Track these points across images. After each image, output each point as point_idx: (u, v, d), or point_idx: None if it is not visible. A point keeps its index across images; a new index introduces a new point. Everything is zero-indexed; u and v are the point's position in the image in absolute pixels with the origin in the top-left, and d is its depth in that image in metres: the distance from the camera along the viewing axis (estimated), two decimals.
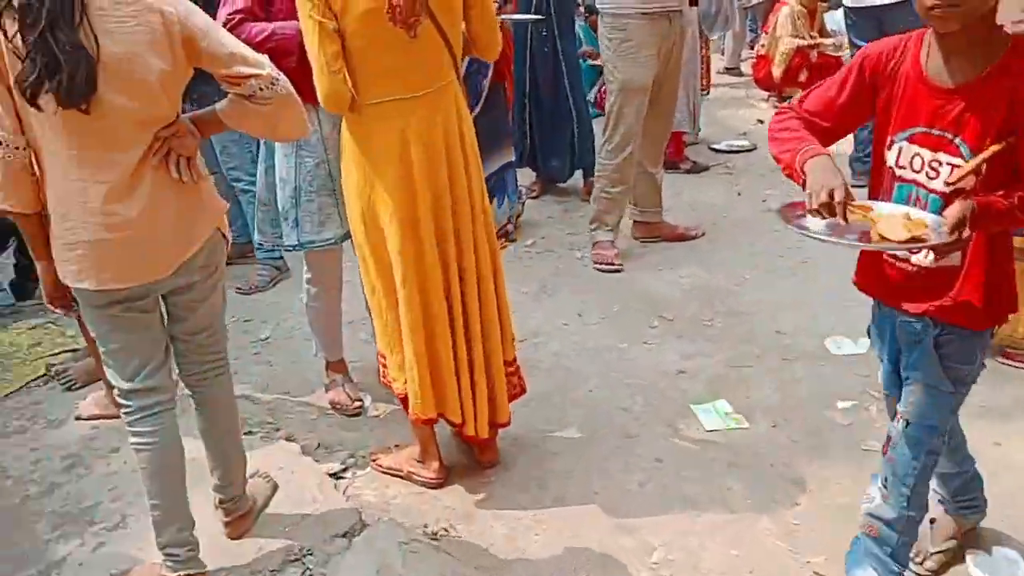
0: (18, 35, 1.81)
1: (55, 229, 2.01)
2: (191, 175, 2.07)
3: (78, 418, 3.06)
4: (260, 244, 3.04)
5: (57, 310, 2.21)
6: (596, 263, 4.26)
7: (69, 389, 3.25)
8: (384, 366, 2.65)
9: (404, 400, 2.61)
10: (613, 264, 4.22)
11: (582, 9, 7.03)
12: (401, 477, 2.72)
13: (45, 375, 3.41)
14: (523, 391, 2.80)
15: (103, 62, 1.85)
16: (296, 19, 2.33)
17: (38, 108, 1.86)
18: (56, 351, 3.60)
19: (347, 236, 2.76)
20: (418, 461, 2.70)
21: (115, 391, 2.21)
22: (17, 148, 1.92)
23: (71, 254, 2.00)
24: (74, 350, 3.54)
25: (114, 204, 1.96)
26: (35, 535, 2.51)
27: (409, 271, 2.41)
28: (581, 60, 6.03)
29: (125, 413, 2.19)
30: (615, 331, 3.63)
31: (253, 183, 3.99)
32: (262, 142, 2.95)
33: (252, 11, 2.64)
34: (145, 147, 1.99)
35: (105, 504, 2.61)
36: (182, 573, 2.22)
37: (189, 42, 1.96)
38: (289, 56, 2.52)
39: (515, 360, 2.75)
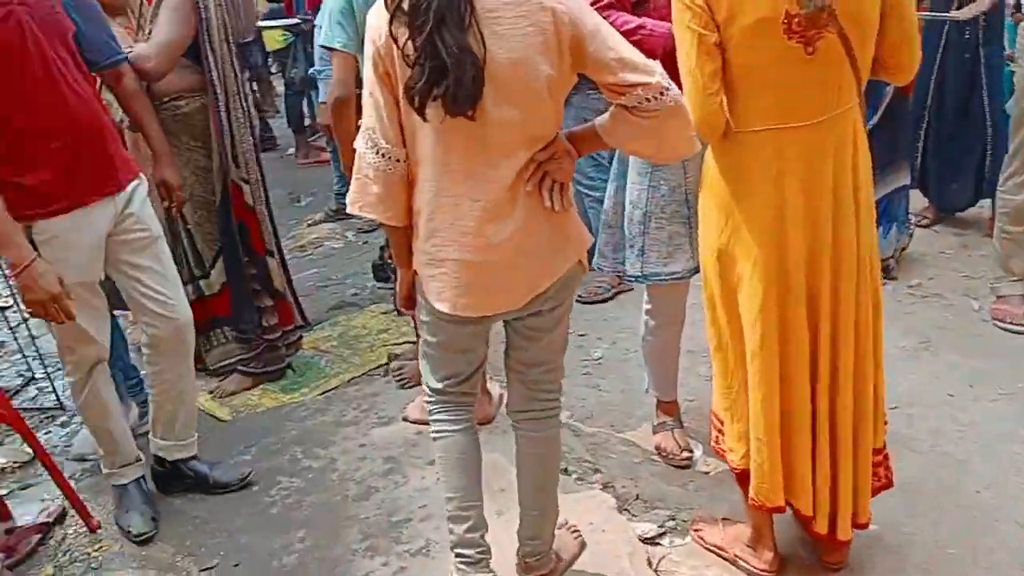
0: (409, 42, 1.71)
1: (421, 244, 1.91)
2: (562, 203, 1.89)
3: (404, 419, 3.05)
4: (600, 267, 2.78)
5: (409, 313, 2.19)
6: (997, 320, 3.49)
7: (402, 387, 3.27)
8: (720, 431, 2.27)
9: (740, 476, 2.22)
10: (1022, 324, 3.42)
11: (1010, 1, 5.91)
12: (726, 559, 2.33)
13: (386, 364, 3.48)
14: (889, 484, 2.27)
15: (490, 66, 1.71)
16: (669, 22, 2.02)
17: (424, 118, 1.75)
18: (400, 340, 3.67)
19: (697, 270, 2.42)
20: (748, 546, 2.30)
21: (424, 382, 2.16)
22: (398, 161, 1.84)
23: (436, 271, 1.90)
24: (414, 341, 3.58)
25: (487, 225, 1.84)
26: (346, 542, 2.50)
27: (769, 334, 2.01)
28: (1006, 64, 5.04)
29: (427, 402, 2.16)
30: (1019, 415, 2.90)
31: (593, 187, 3.79)
32: (616, 155, 2.68)
33: (621, 1, 2.38)
34: (522, 165, 1.82)
35: (414, 523, 2.54)
36: None
37: (577, 45, 1.74)
38: (650, 57, 2.21)
39: (884, 447, 2.23)
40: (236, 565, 2.46)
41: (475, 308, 1.92)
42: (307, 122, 6.75)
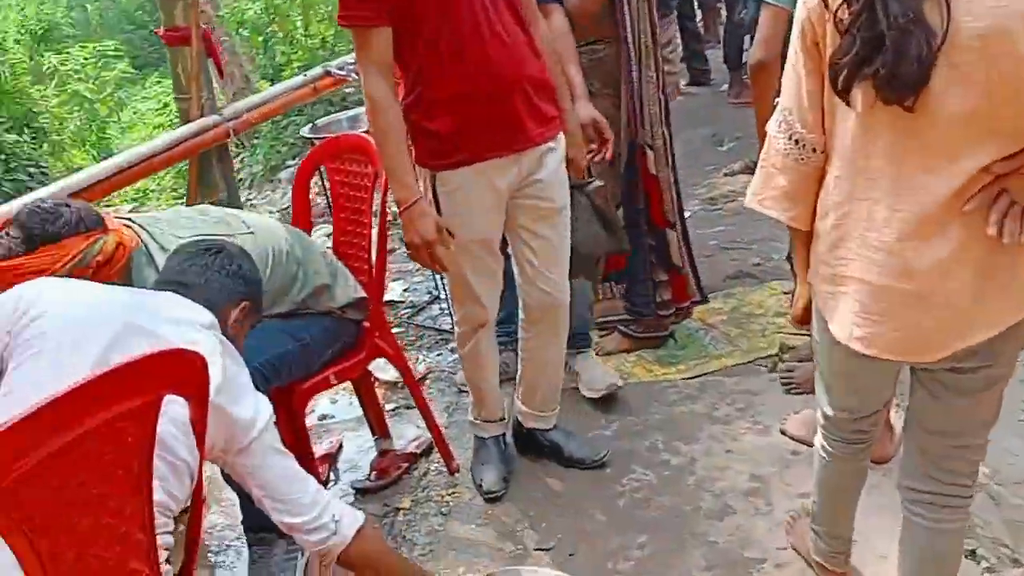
0: (844, 5, 1.38)
1: (823, 254, 1.59)
2: (1019, 234, 1.40)
3: (782, 432, 2.67)
4: None
5: (803, 328, 1.91)
6: None
7: (788, 392, 2.86)
8: None
9: None
10: None
11: None
12: None
13: (777, 356, 3.09)
14: None
15: (951, 41, 1.29)
16: None
17: (846, 101, 1.42)
18: (798, 330, 3.24)
19: None
20: None
21: (818, 410, 1.86)
22: (815, 151, 1.55)
23: (836, 289, 1.58)
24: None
25: (907, 243, 1.45)
26: (687, 565, 2.23)
27: None
28: None
29: (820, 426, 1.88)
30: None
31: None
32: None
33: None
34: (971, 175, 1.38)
35: (767, 568, 2.18)
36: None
37: None
38: None
39: None
40: (571, 555, 2.34)
41: (877, 346, 1.53)
42: (745, 58, 6.31)
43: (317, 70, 3.49)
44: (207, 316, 1.74)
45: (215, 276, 1.83)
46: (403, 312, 4.01)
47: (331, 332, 2.42)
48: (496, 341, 2.57)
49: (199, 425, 1.53)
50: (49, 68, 12.20)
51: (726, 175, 4.97)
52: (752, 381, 2.97)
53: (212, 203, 3.02)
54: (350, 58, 3.58)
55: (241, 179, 8.11)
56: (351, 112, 3.85)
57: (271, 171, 7.86)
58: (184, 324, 1.68)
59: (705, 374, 3.06)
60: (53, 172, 8.92)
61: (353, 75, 3.55)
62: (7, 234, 1.92)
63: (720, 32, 7.32)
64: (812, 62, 1.49)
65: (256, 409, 1.71)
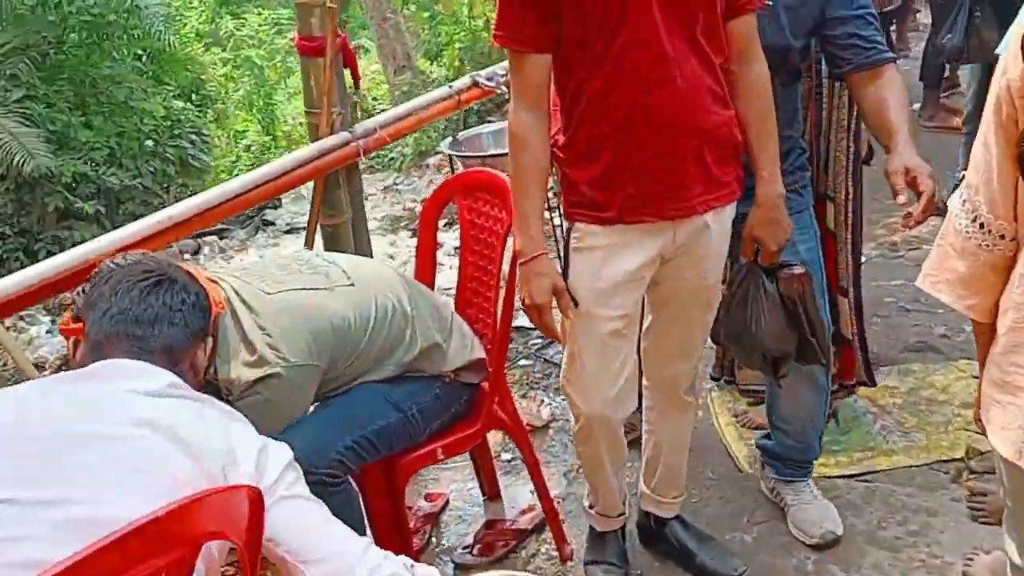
0: None
1: (994, 352, 1.44)
2: None
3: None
4: None
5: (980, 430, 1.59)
6: None
7: (975, 519, 2.37)
8: None
9: None
10: None
11: None
12: None
13: (963, 461, 2.59)
14: None
15: None
16: None
17: None
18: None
19: None
20: None
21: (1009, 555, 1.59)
22: (1002, 238, 1.39)
23: (1002, 396, 1.41)
24: None
25: None
26: None
27: None
28: None
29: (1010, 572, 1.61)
30: None
31: None
32: None
33: None
34: None
35: None
36: None
37: None
38: None
39: None
40: None
41: None
42: (945, 73, 5.61)
43: (464, 80, 3.21)
44: (162, 379, 1.42)
45: (178, 316, 1.50)
46: (533, 342, 3.72)
47: (441, 400, 2.13)
48: (623, 435, 2.19)
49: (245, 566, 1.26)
50: (226, 32, 12.62)
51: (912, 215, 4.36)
52: (930, 496, 2.48)
53: (336, 225, 2.81)
54: (500, 68, 3.28)
55: (392, 158, 8.05)
56: (494, 126, 3.55)
57: (420, 156, 7.73)
58: (136, 403, 1.35)
59: (871, 473, 2.61)
60: (215, 140, 9.15)
61: (503, 88, 3.25)
62: (82, 291, 1.70)
63: (910, 39, 6.62)
64: (1007, 139, 1.32)
65: (260, 463, 1.36)
